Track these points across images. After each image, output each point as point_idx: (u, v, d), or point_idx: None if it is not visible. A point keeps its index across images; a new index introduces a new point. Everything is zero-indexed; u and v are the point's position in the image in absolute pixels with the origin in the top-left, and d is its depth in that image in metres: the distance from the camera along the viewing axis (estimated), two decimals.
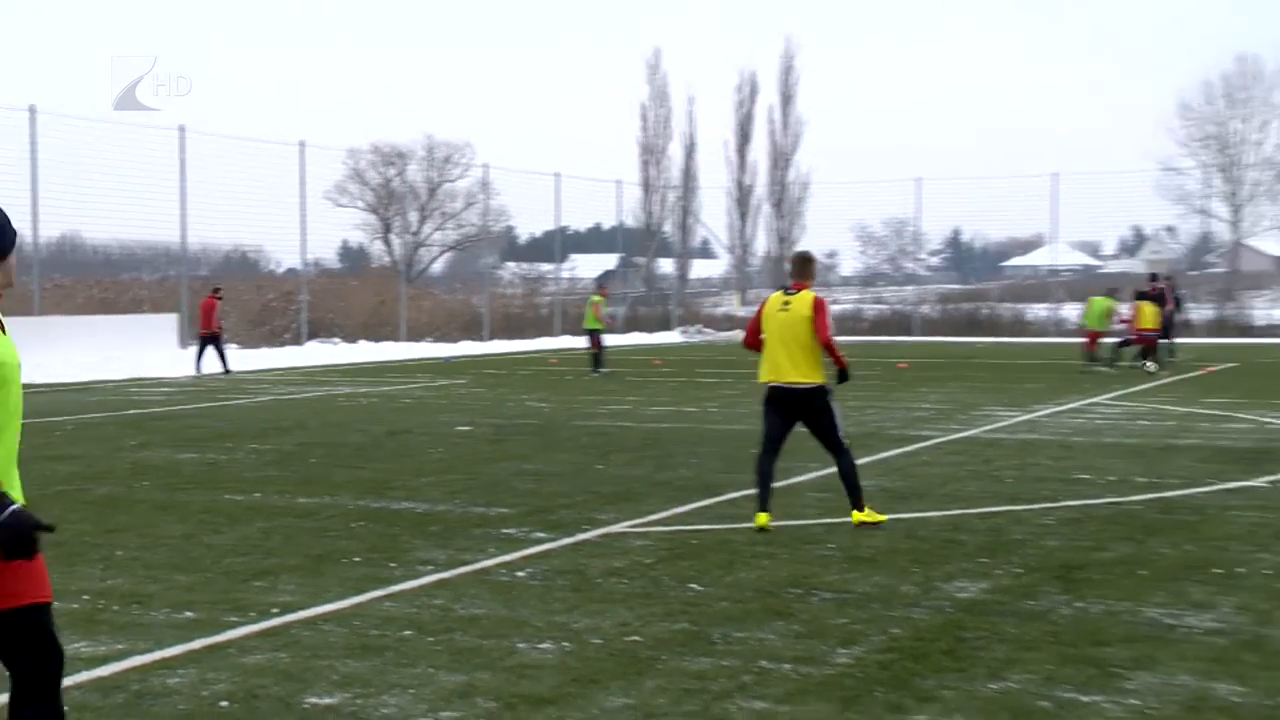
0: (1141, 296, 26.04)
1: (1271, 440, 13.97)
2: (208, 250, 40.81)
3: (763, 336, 9.25)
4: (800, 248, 66.14)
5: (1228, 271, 56.41)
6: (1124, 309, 26.98)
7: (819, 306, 9.03)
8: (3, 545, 3.39)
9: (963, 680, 5.54)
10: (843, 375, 9.24)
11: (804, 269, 9.37)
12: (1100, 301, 26.75)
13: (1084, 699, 5.26)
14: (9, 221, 3.72)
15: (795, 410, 9.11)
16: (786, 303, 9.13)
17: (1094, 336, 26.36)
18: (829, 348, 9.01)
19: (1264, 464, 12.00)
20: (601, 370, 25.63)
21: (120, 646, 6.18)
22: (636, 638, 6.32)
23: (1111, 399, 19.03)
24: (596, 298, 26.74)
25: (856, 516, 9.09)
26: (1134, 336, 25.83)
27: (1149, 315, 25.29)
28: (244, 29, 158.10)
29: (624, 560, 8.12)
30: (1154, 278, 28.44)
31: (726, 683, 5.58)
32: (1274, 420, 15.74)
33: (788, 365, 9.03)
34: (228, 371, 26.75)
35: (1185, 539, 8.52)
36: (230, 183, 35.11)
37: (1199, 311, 42.35)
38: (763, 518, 8.99)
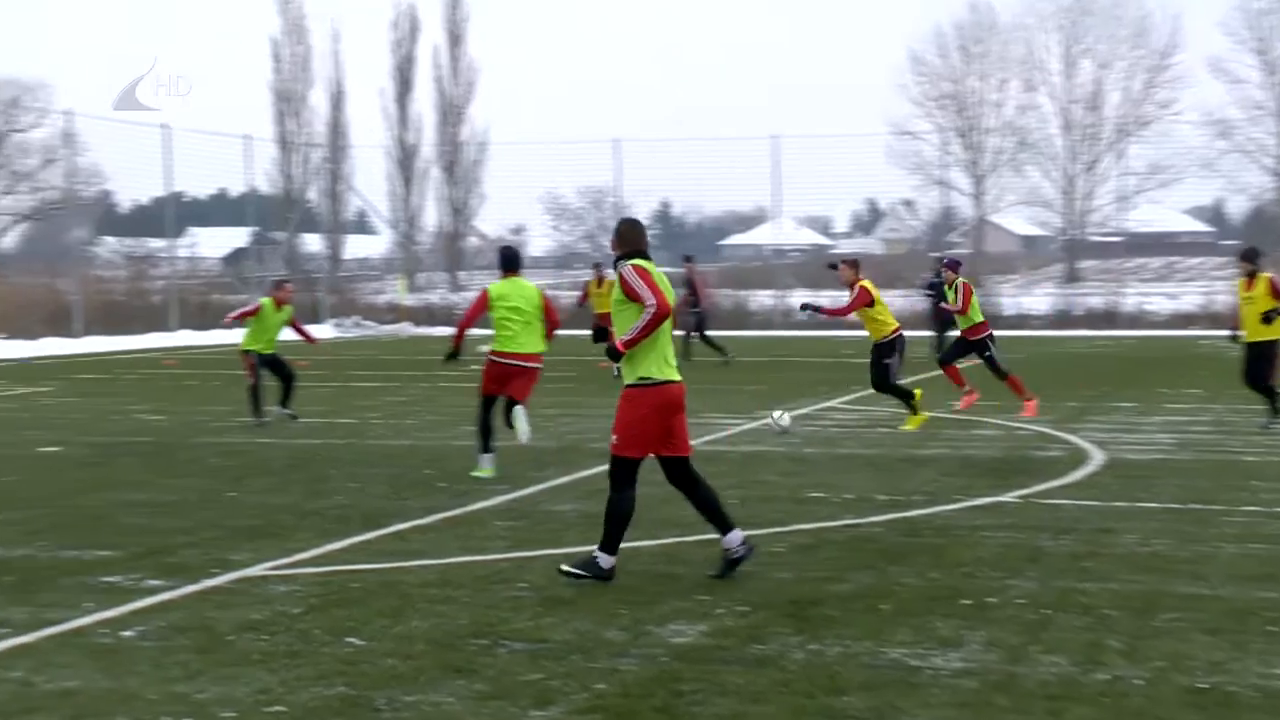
0: None
1: (1022, 449, 14.95)
2: None
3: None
4: (478, 220, 66.02)
5: (972, 253, 60.03)
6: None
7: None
8: None
9: None
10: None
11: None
12: None
13: None
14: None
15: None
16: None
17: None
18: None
19: (1014, 476, 12.81)
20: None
21: None
22: (280, 708, 6.20)
23: (848, 403, 19.93)
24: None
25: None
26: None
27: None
28: None
29: (264, 611, 7.97)
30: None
31: None
32: (1025, 426, 16.84)
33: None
34: None
35: (930, 566, 8.98)
36: None
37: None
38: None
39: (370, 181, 64.73)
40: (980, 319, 17.85)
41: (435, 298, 54.38)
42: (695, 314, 29.91)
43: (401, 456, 14.73)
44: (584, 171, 56.19)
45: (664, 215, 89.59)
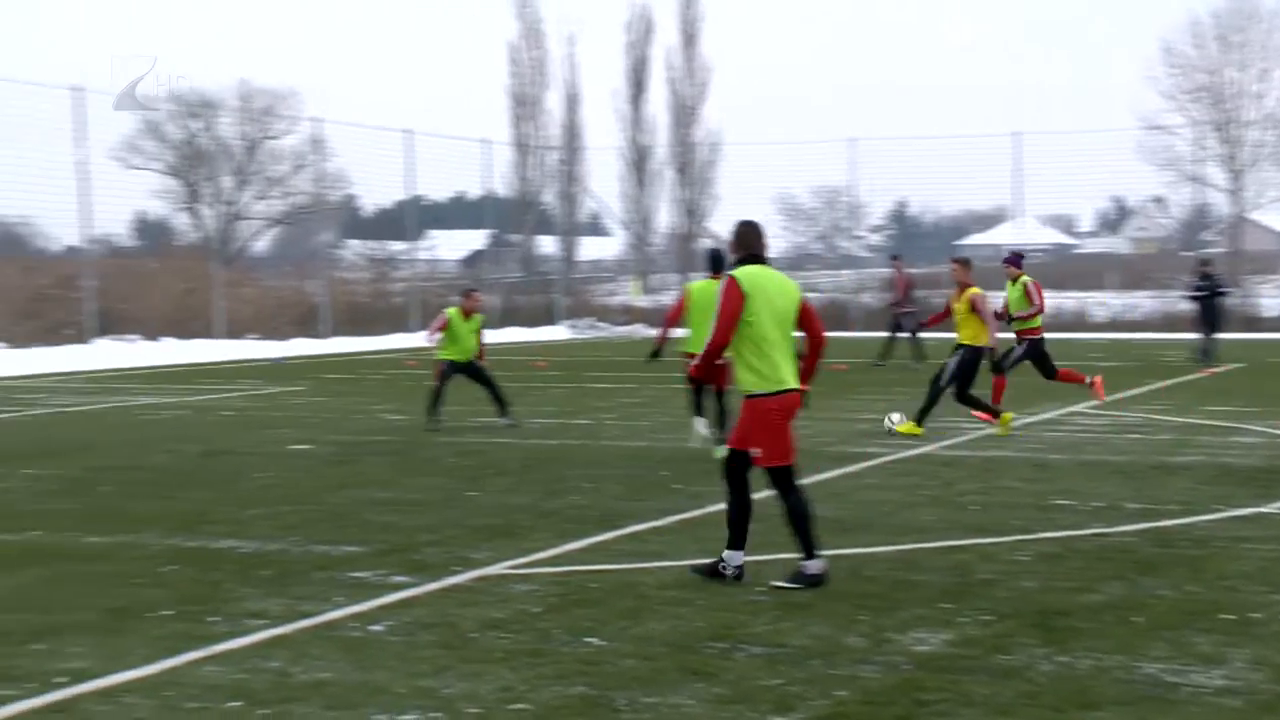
0: None
1: None
2: None
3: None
4: (710, 221, 66.45)
5: (1229, 252, 57.90)
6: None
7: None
8: None
9: None
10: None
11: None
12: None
13: None
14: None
15: None
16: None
17: None
18: None
19: (1278, 486, 12.35)
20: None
21: None
22: (523, 705, 6.32)
23: (1093, 407, 19.48)
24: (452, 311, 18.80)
25: None
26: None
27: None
28: None
29: (505, 610, 8.12)
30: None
31: None
32: None
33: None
34: None
35: (1187, 578, 8.72)
36: None
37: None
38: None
39: (604, 183, 65.59)
40: (1039, 323, 17.48)
41: (668, 299, 54.57)
42: (905, 314, 29.69)
43: (637, 457, 14.88)
44: (818, 171, 55.95)
45: (900, 215, 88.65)
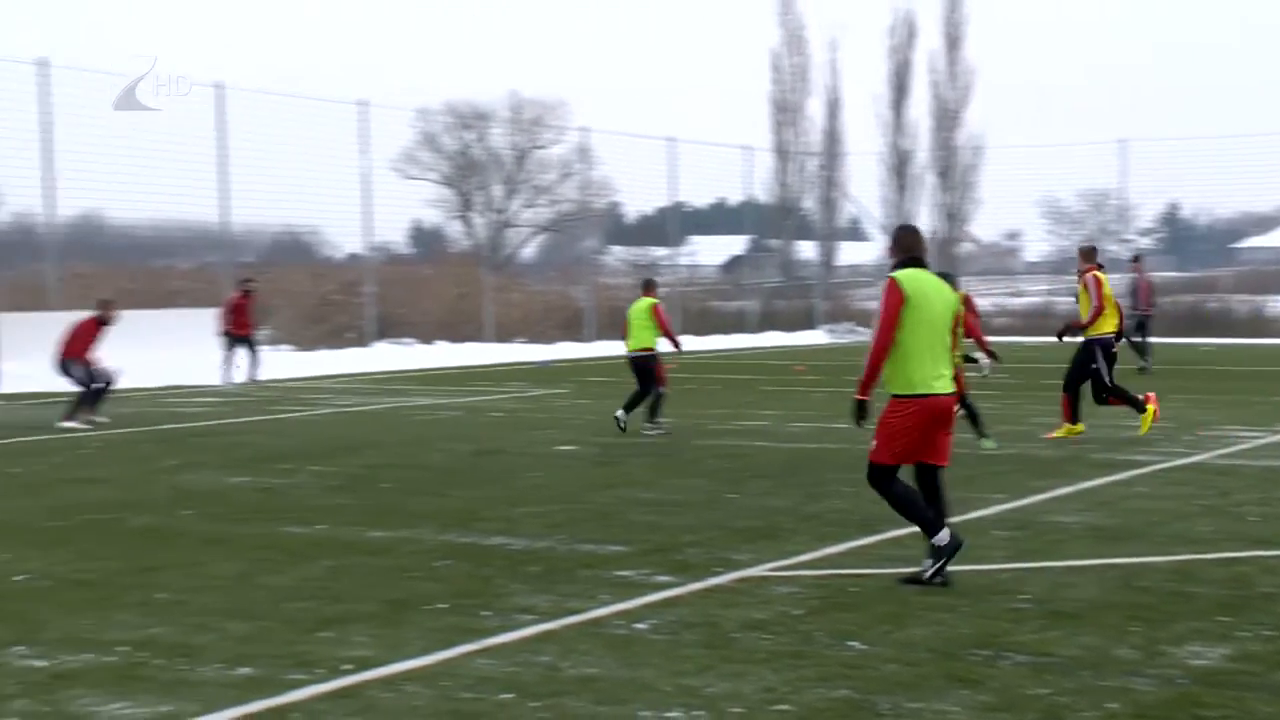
0: None
1: None
2: (253, 232, 41.72)
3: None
4: (972, 225, 65.34)
5: None
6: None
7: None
8: None
9: None
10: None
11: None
12: None
13: None
14: None
15: None
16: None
17: None
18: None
19: None
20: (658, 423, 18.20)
21: (164, 709, 6.35)
22: (786, 706, 6.32)
23: None
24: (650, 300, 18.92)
25: None
26: None
27: None
28: None
29: (766, 611, 8.14)
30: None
31: None
32: None
33: None
34: (255, 380, 27.35)
35: None
36: (279, 151, 35.86)
37: None
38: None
39: (864, 188, 65.15)
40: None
41: None
42: (1135, 317, 28.68)
43: None
44: (1085, 173, 54.68)
45: (1171, 218, 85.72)
